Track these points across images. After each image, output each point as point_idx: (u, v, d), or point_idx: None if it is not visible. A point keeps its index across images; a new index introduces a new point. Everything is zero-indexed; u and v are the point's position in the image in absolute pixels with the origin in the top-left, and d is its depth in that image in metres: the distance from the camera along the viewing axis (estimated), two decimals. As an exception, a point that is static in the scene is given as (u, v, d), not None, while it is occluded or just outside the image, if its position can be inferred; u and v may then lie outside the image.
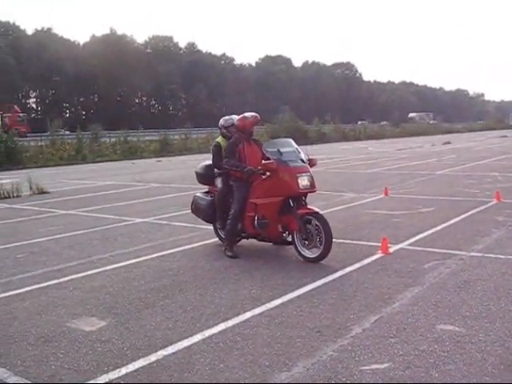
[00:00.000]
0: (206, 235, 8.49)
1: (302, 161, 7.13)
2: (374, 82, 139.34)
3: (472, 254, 7.07)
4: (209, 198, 8.04)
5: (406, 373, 3.85)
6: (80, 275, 6.70)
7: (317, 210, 6.99)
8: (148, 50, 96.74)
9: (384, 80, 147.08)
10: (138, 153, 34.31)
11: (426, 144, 37.81)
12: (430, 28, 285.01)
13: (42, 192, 15.50)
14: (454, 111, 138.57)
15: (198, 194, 8.32)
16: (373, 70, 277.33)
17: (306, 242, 6.90)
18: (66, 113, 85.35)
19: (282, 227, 7.14)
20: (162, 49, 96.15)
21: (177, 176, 19.04)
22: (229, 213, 7.51)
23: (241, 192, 7.33)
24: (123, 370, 4.06)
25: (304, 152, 7.32)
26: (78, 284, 6.35)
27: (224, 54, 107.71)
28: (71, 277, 6.65)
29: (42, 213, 11.99)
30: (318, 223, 6.79)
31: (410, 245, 7.68)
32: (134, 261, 7.32)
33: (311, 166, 7.20)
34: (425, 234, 8.32)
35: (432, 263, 6.64)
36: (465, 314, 4.96)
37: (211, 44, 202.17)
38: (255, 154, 7.42)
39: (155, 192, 15.01)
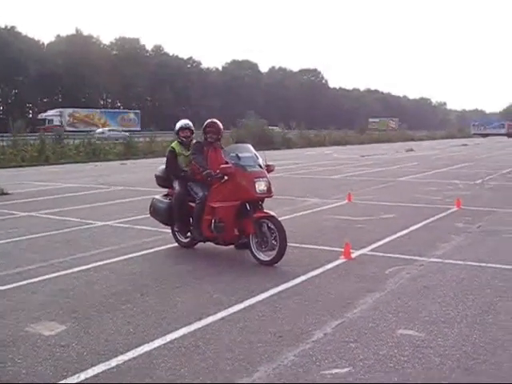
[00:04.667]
0: (169, 239, 8.43)
1: (260, 166, 7.24)
2: (340, 88, 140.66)
3: (432, 259, 7.19)
4: (167, 200, 8.13)
5: (366, 377, 3.89)
6: (40, 278, 6.59)
7: (272, 213, 7.08)
8: (114, 52, 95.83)
9: (349, 87, 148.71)
10: (102, 155, 33.81)
11: (390, 151, 38.33)
12: (395, 36, 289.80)
13: (2, 193, 15.18)
14: (418, 119, 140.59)
15: (157, 197, 8.37)
16: (338, 77, 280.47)
17: (262, 246, 6.96)
18: (29, 113, 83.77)
19: (239, 231, 7.20)
20: (129, 51, 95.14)
21: (141, 179, 18.86)
22: (187, 215, 7.69)
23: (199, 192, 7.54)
24: (82, 376, 4.00)
25: (262, 158, 7.40)
26: (37, 287, 6.25)
27: (191, 58, 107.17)
28: (31, 280, 6.53)
29: (1, 214, 11.74)
30: (272, 226, 6.88)
31: (371, 250, 7.78)
32: (95, 264, 7.23)
33: (268, 172, 7.34)
34: (386, 239, 8.44)
35: (393, 269, 6.74)
36: (424, 318, 5.04)
37: (178, 47, 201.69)
38: (217, 159, 7.55)
39: (118, 195, 14.86)
